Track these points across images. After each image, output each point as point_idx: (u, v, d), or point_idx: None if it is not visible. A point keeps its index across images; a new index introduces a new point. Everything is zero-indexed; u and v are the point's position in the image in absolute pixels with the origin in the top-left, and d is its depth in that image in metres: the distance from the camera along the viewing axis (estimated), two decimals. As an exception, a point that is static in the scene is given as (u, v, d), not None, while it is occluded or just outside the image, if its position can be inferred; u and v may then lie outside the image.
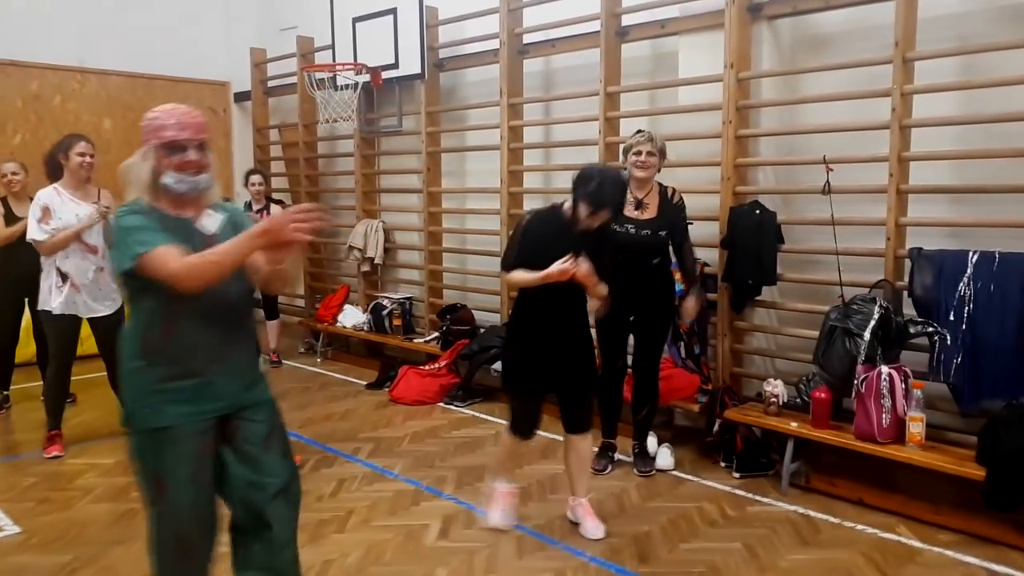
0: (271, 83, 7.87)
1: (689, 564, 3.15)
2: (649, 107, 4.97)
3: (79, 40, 7.27)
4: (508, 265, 3.26)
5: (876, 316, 3.67)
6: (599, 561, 3.18)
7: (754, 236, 4.14)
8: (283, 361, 6.81)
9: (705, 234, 4.44)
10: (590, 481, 3.60)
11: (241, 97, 8.23)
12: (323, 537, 3.39)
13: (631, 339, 4.15)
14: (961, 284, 3.53)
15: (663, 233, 3.88)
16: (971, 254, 3.53)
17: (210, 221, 2.26)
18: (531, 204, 5.64)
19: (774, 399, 4.00)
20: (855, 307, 3.75)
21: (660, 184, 3.97)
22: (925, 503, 3.56)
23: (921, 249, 3.68)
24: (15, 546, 3.27)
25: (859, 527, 3.48)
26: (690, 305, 4.04)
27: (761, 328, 4.52)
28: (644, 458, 4.18)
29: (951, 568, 3.12)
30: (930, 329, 3.59)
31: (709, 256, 4.51)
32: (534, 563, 3.17)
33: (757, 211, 4.17)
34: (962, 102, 3.81)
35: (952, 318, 3.54)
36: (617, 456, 4.27)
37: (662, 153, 3.91)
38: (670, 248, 4.02)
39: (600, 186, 3.05)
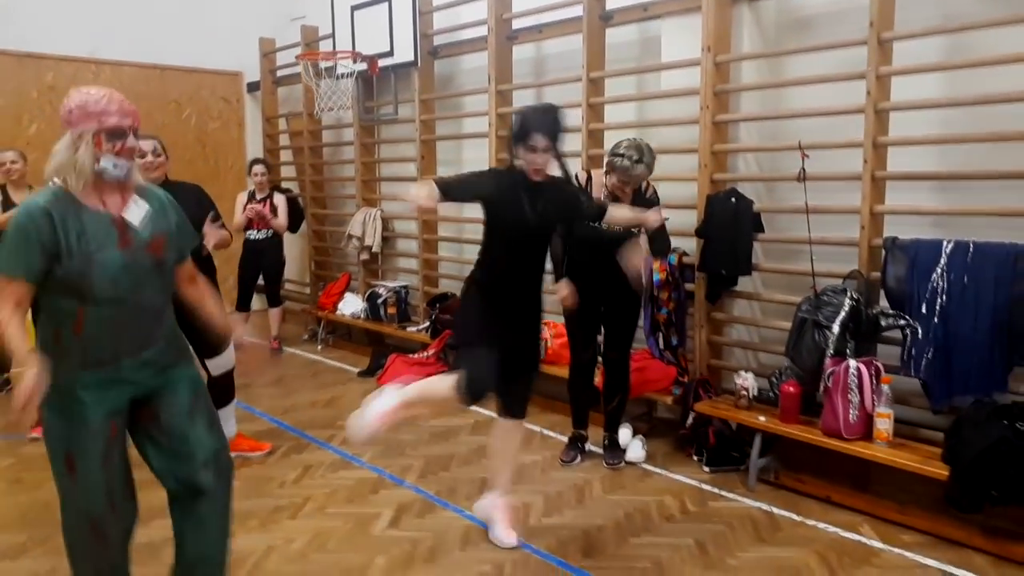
0: (280, 73, 7.93)
1: (634, 560, 3.08)
2: (633, 93, 4.86)
3: (93, 31, 7.42)
4: (443, 182, 2.91)
5: (846, 308, 3.53)
6: (542, 554, 3.13)
7: (729, 225, 4.02)
8: (285, 348, 6.89)
9: (683, 223, 4.32)
10: (512, 478, 3.35)
11: (254, 87, 8.32)
12: (274, 523, 3.41)
13: (602, 331, 4.07)
14: (934, 275, 3.36)
15: (634, 229, 3.76)
16: (945, 244, 3.36)
17: (135, 211, 2.26)
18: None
19: (745, 392, 3.89)
20: (825, 298, 3.61)
21: None
22: (892, 502, 3.43)
23: (896, 239, 3.52)
24: (-27, 524, 3.36)
25: (821, 525, 3.36)
26: (633, 257, 3.66)
27: (739, 319, 4.40)
28: (614, 450, 4.11)
29: (907, 570, 3.00)
30: (901, 322, 3.44)
31: (688, 246, 4.40)
32: (476, 554, 3.14)
33: (733, 199, 4.05)
34: (945, 84, 3.63)
35: (924, 311, 3.38)
36: (589, 447, 4.21)
37: (649, 169, 3.73)
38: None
39: (523, 118, 2.96)
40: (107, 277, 2.14)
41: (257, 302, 6.91)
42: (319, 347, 6.99)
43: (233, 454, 4.05)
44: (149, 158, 3.68)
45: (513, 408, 3.26)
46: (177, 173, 4.12)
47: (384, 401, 2.92)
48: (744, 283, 4.27)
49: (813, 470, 3.73)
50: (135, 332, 2.23)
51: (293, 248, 7.87)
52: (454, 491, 3.74)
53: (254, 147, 8.32)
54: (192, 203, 3.49)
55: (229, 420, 4.10)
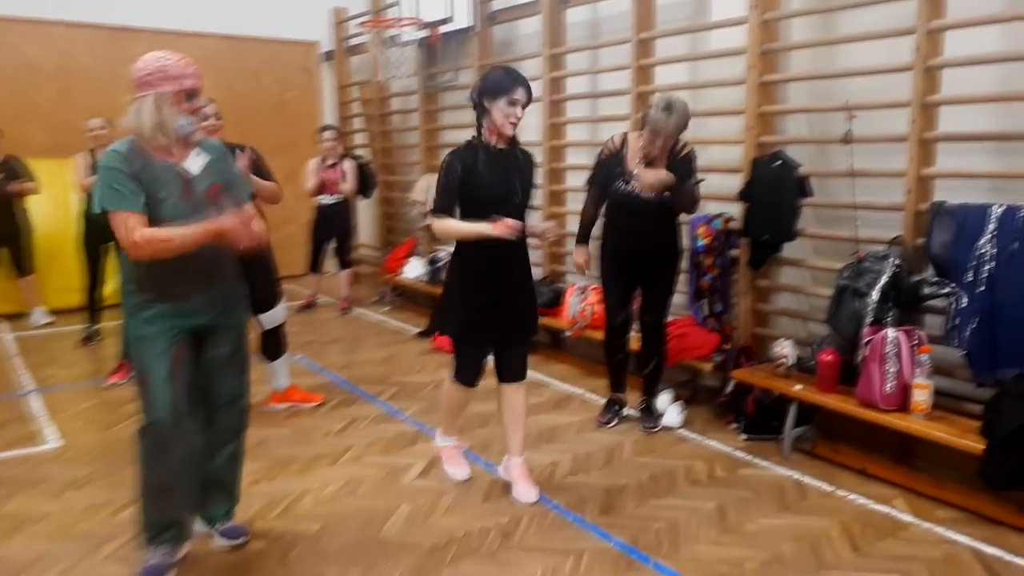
0: (353, 42, 8.12)
1: (650, 520, 3.11)
2: (681, 54, 4.75)
3: (179, 4, 7.80)
4: (439, 210, 3.04)
5: (887, 275, 3.40)
6: (560, 509, 3.20)
7: (773, 189, 3.91)
8: (353, 308, 7.15)
9: (729, 187, 4.23)
10: (525, 439, 3.39)
11: (329, 56, 8.55)
12: (312, 469, 3.60)
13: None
14: (982, 241, 3.19)
15: (666, 193, 3.72)
16: (994, 208, 3.18)
17: (196, 162, 2.54)
18: (575, 158, 5.59)
19: (783, 360, 3.81)
20: (866, 265, 3.49)
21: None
22: (930, 477, 3.32)
23: (943, 203, 3.35)
24: (49, 458, 3.71)
25: (851, 497, 3.29)
26: (646, 174, 3.61)
27: (784, 287, 4.29)
28: (650, 415, 4.12)
29: (934, 545, 2.91)
30: (945, 290, 3.28)
31: (736, 211, 4.30)
32: (496, 507, 3.23)
33: (778, 162, 3.93)
34: (1003, 38, 3.39)
35: (971, 279, 3.22)
36: (628, 412, 4.23)
37: (679, 130, 3.67)
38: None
39: (503, 72, 3.01)
40: (171, 220, 2.43)
41: (332, 265, 7.19)
42: (386, 308, 7.22)
43: (285, 405, 4.37)
44: (212, 120, 3.92)
45: (511, 374, 3.29)
46: (256, 140, 4.42)
47: (445, 449, 3.53)
48: (792, 249, 4.15)
49: (852, 441, 3.64)
50: (197, 270, 2.53)
51: (366, 213, 8.12)
52: (487, 447, 3.85)
53: (329, 115, 8.59)
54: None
55: (281, 372, 4.34)
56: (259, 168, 4.26)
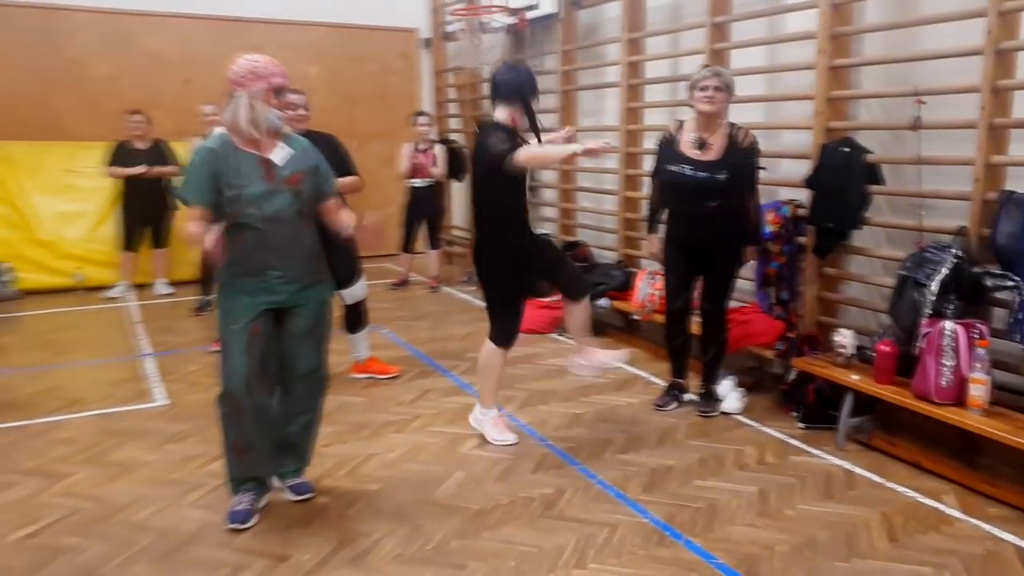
0: (450, 28, 8.38)
1: (689, 499, 3.21)
2: (752, 38, 4.70)
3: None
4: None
5: (948, 266, 3.32)
6: (603, 484, 3.35)
7: (839, 176, 3.86)
8: (441, 288, 7.47)
9: (799, 173, 4.20)
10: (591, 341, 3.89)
11: (428, 43, 8.86)
12: (380, 435, 3.90)
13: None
14: (1050, 233, 3.07)
15: (723, 176, 3.74)
16: (1064, 199, 3.05)
17: (279, 153, 2.84)
18: (652, 143, 5.62)
19: (842, 349, 3.79)
20: (928, 255, 3.41)
21: (731, 124, 3.83)
22: (985, 473, 3.24)
23: (1012, 192, 3.24)
24: (155, 414, 4.18)
25: (901, 489, 3.27)
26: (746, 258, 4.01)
27: (850, 276, 4.22)
28: (709, 400, 4.18)
29: (977, 542, 2.87)
30: (1009, 283, 3.18)
31: (804, 198, 4.26)
32: (543, 479, 3.42)
33: (845, 148, 3.87)
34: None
35: (1037, 272, 3.11)
36: (689, 397, 4.30)
37: (729, 89, 3.76)
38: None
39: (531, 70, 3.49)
40: (252, 204, 2.75)
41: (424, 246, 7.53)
42: (473, 287, 7.50)
43: (363, 375, 4.69)
44: (301, 111, 4.24)
45: (574, 291, 3.69)
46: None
47: (491, 422, 3.77)
48: (861, 238, 4.08)
49: (910, 434, 3.59)
50: (277, 250, 2.83)
51: (459, 196, 8.42)
52: (545, 423, 4.03)
53: (427, 100, 8.91)
54: (327, 150, 4.03)
55: (361, 344, 4.67)
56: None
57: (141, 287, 7.20)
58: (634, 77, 5.53)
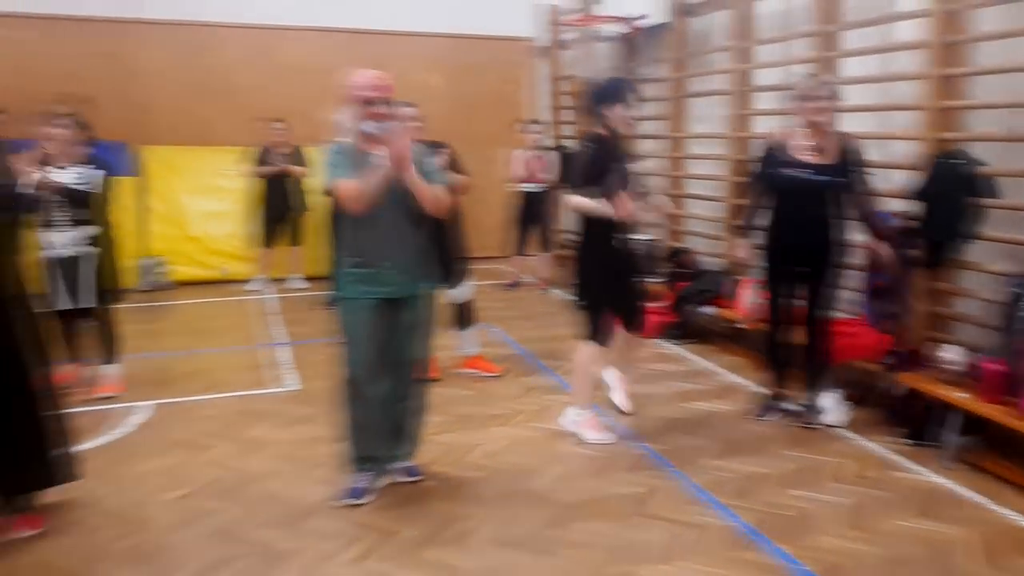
0: (564, 37, 8.58)
1: (780, 507, 3.27)
2: (863, 47, 4.63)
3: (409, 6, 8.72)
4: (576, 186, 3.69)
5: (1064, 286, 3.21)
6: (697, 487, 3.45)
7: (949, 188, 3.78)
8: (551, 290, 7.69)
9: (910, 185, 4.12)
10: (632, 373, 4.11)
11: (542, 52, 9.10)
12: (486, 428, 4.16)
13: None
14: None
15: (843, 179, 3.80)
16: None
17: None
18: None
19: (949, 366, 3.71)
20: (1044, 274, 3.31)
21: (838, 132, 3.86)
22: (1100, 502, 3.13)
23: None
24: (286, 398, 4.62)
25: (1004, 512, 3.20)
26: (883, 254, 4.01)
27: (962, 291, 4.10)
28: (811, 411, 4.17)
29: (1083, 571, 2.80)
30: None
31: (915, 210, 4.18)
32: (636, 478, 3.56)
33: (955, 160, 3.79)
34: None
35: None
36: (789, 406, 4.30)
37: (838, 98, 3.79)
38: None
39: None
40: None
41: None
42: (581, 291, 7.66)
43: (470, 371, 4.96)
44: (413, 123, 4.56)
45: (634, 327, 3.95)
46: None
47: (586, 422, 3.96)
48: (974, 252, 3.97)
49: (1021, 457, 3.48)
50: (390, 243, 3.15)
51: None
52: (642, 426, 4.16)
53: (541, 108, 9.14)
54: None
55: (469, 341, 4.95)
56: (455, 165, 4.86)
57: (277, 281, 7.83)
58: (744, 85, 5.54)
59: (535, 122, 7.40)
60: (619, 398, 3.97)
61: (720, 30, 6.14)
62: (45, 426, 3.08)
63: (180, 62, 8.25)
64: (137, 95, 8.04)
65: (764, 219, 4.09)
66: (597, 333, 3.87)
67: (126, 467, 3.64)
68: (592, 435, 3.93)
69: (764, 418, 4.24)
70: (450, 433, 4.05)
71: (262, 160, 7.45)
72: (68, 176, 4.24)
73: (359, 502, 3.26)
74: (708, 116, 5.94)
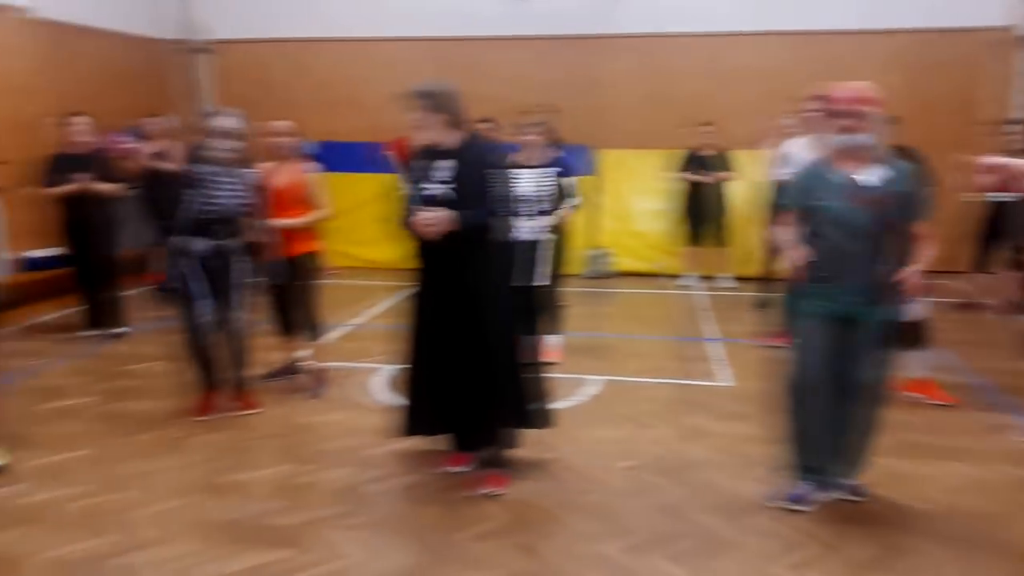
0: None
1: None
2: None
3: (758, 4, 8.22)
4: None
5: None
6: None
7: None
8: (1017, 315, 6.65)
9: None
10: None
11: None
12: (940, 460, 3.82)
13: None
14: None
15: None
16: None
17: (869, 174, 3.12)
18: None
19: None
20: None
21: None
22: None
23: None
24: (719, 392, 4.82)
25: None
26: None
27: None
28: None
29: None
30: None
31: None
32: None
33: None
34: None
35: None
36: None
37: None
38: None
39: None
40: (830, 220, 3.12)
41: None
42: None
43: (915, 395, 4.58)
44: (883, 137, 4.37)
45: None
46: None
47: None
48: None
49: None
50: (847, 264, 3.13)
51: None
52: None
53: (1016, 107, 7.91)
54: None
55: (916, 363, 4.55)
56: (924, 176, 4.48)
57: (707, 279, 8.10)
58: None
59: (1014, 122, 6.43)
60: None
61: None
62: (525, 383, 3.55)
63: (636, 71, 8.95)
64: (597, 102, 8.93)
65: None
66: None
67: (584, 431, 4.17)
68: None
69: None
70: (895, 459, 3.81)
71: (686, 164, 7.75)
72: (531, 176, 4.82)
73: (798, 507, 3.29)
74: None
